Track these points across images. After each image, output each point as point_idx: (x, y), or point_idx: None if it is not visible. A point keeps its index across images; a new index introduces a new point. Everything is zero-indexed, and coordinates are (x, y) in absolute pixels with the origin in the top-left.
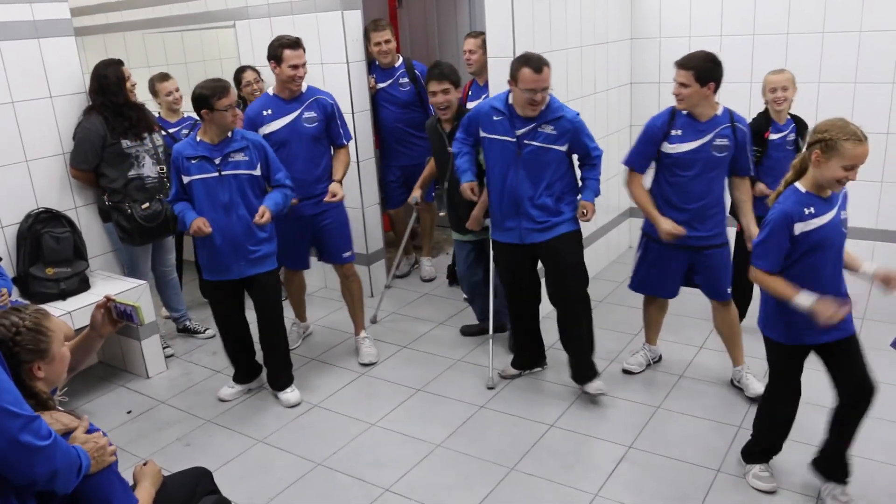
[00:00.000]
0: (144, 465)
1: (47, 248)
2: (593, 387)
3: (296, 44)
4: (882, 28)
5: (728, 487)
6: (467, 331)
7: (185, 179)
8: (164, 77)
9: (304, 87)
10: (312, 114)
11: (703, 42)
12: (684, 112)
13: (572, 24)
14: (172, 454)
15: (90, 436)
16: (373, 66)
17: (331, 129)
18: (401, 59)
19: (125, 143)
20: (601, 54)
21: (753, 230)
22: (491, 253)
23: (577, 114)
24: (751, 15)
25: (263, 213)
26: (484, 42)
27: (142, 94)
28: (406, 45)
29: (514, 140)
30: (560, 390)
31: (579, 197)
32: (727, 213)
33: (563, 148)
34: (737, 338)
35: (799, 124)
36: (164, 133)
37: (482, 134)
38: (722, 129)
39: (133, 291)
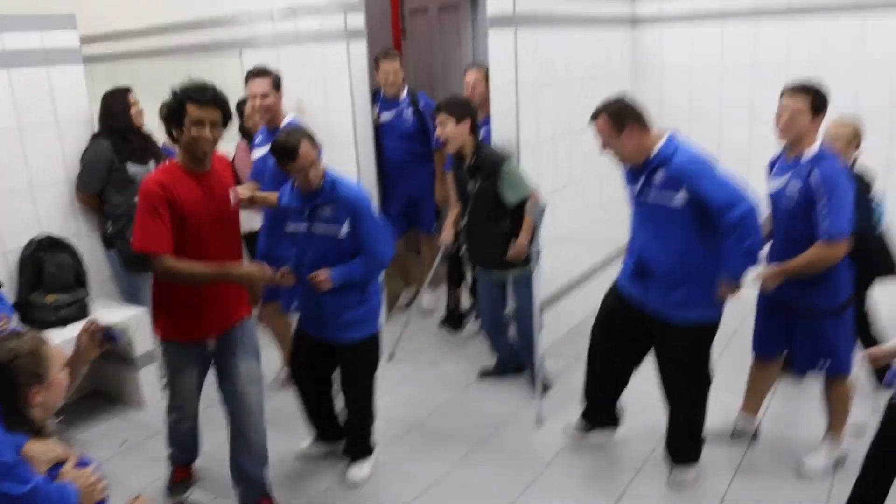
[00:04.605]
0: (135, 500)
1: (48, 274)
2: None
3: (254, 73)
4: (884, 60)
5: None
6: (487, 372)
7: None
8: None
9: (283, 122)
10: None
11: (704, 74)
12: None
13: (575, 56)
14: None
15: (79, 472)
16: (377, 97)
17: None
18: (406, 90)
19: (131, 168)
20: (603, 87)
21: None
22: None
23: (693, 154)
24: (751, 47)
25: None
26: (485, 75)
27: (151, 123)
28: (411, 76)
29: (636, 187)
30: (559, 428)
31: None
32: (843, 274)
33: (678, 201)
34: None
35: None
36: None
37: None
38: (801, 169)
39: (132, 319)
